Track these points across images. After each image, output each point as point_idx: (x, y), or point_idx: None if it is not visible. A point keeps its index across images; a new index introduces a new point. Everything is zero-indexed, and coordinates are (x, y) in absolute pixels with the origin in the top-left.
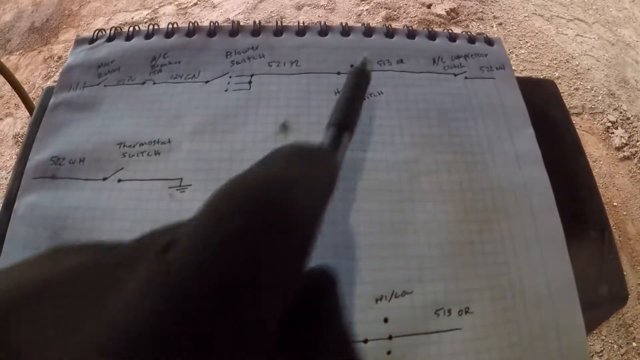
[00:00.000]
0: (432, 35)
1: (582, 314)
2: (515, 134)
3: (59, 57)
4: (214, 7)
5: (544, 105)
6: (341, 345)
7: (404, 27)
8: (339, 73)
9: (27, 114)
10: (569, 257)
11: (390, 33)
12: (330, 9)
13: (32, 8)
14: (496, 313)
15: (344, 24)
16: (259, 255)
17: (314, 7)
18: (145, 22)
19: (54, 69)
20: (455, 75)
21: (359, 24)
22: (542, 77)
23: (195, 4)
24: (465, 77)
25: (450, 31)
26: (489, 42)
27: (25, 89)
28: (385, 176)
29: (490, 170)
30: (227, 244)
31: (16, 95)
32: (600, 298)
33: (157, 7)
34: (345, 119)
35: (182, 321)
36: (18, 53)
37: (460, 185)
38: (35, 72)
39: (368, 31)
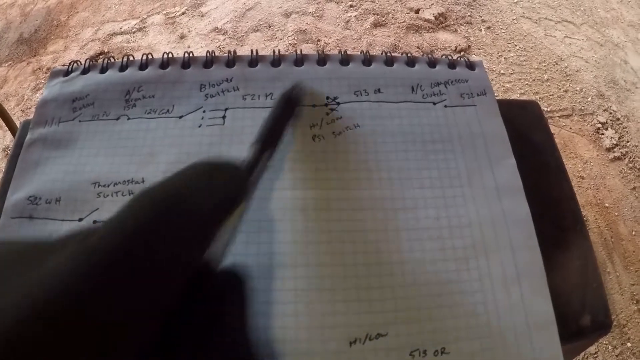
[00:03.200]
0: (411, 61)
1: (563, 344)
2: (495, 164)
3: (48, 69)
4: (202, 16)
5: (527, 128)
6: (237, 344)
7: (382, 53)
8: (314, 105)
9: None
10: (549, 291)
11: (367, 60)
12: (318, 16)
13: (20, 19)
14: (473, 353)
15: (320, 52)
16: (154, 249)
17: (302, 14)
18: (134, 32)
19: (42, 81)
20: (434, 103)
21: (336, 51)
22: (525, 88)
23: (184, 13)
24: (445, 106)
25: (430, 56)
26: (470, 66)
27: (14, 101)
28: (360, 215)
29: (469, 205)
30: (131, 237)
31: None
32: (583, 328)
33: (145, 16)
34: (267, 138)
35: (93, 294)
36: (7, 65)
37: (438, 222)
38: (24, 83)
39: (345, 59)
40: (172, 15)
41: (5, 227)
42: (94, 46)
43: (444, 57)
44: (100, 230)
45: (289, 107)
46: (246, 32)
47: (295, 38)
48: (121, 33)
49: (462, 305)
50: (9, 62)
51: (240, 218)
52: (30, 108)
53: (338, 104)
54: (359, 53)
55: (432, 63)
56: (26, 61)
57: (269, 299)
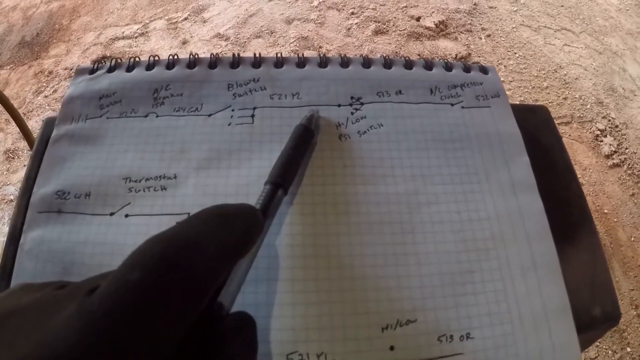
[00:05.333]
0: (428, 65)
1: (576, 334)
2: (511, 162)
3: (50, 72)
4: (204, 21)
5: (537, 131)
6: None
7: (401, 57)
8: (339, 105)
9: (18, 129)
10: (563, 280)
11: (388, 64)
12: (320, 23)
13: (22, 22)
14: (495, 338)
15: (342, 55)
16: (155, 303)
17: (304, 21)
18: (136, 37)
19: (44, 84)
20: (452, 105)
21: (358, 55)
22: (525, 96)
23: (186, 18)
24: (462, 107)
25: (446, 60)
26: (484, 70)
27: (16, 104)
28: (386, 209)
29: (487, 200)
30: (130, 293)
31: (5, 111)
32: (593, 319)
33: (147, 21)
34: (281, 179)
35: (91, 351)
36: (8, 67)
37: (459, 216)
38: (26, 87)
39: (366, 62)
40: (175, 20)
41: (32, 222)
42: (96, 50)
43: (458, 61)
44: (102, 284)
45: (305, 139)
46: (248, 38)
47: (297, 45)
48: (123, 38)
49: (484, 293)
50: (11, 65)
51: (250, 261)
52: (32, 111)
53: (362, 104)
54: (379, 57)
55: (448, 67)
56: (28, 64)
57: (305, 288)
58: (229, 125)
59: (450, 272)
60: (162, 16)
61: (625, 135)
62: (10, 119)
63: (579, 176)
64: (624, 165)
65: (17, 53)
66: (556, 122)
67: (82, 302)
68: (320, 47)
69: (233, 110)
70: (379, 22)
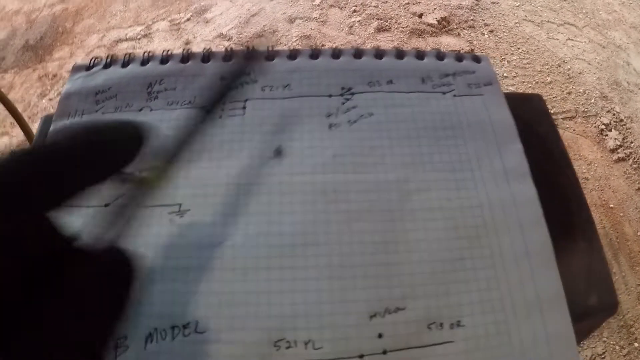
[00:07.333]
0: (420, 55)
1: (572, 323)
2: (503, 149)
3: (54, 75)
4: (207, 22)
5: (532, 120)
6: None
7: (392, 47)
8: (330, 95)
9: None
10: (557, 268)
11: (379, 54)
12: (322, 21)
13: (26, 26)
14: (487, 326)
15: (334, 47)
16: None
17: (306, 19)
18: (139, 39)
19: (48, 87)
20: (444, 93)
21: (349, 47)
22: (529, 91)
23: (189, 19)
24: (454, 95)
25: (438, 50)
26: (476, 59)
27: (21, 107)
28: (376, 196)
29: (479, 187)
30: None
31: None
32: (590, 308)
33: (150, 23)
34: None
35: None
36: (13, 71)
37: (449, 203)
38: (31, 90)
39: (358, 53)
40: (177, 21)
41: None
42: (99, 52)
43: (450, 51)
44: None
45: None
46: (251, 37)
47: (300, 43)
48: (127, 39)
49: (476, 281)
50: (15, 69)
51: (137, 202)
52: (37, 114)
53: (353, 94)
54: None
55: (440, 57)
56: (32, 68)
57: (293, 276)
58: (220, 117)
59: (440, 259)
60: (164, 17)
61: (630, 129)
62: (16, 123)
63: (584, 171)
64: (629, 159)
65: (21, 57)
66: (560, 116)
67: None
68: (322, 45)
69: (224, 102)
70: (381, 19)
